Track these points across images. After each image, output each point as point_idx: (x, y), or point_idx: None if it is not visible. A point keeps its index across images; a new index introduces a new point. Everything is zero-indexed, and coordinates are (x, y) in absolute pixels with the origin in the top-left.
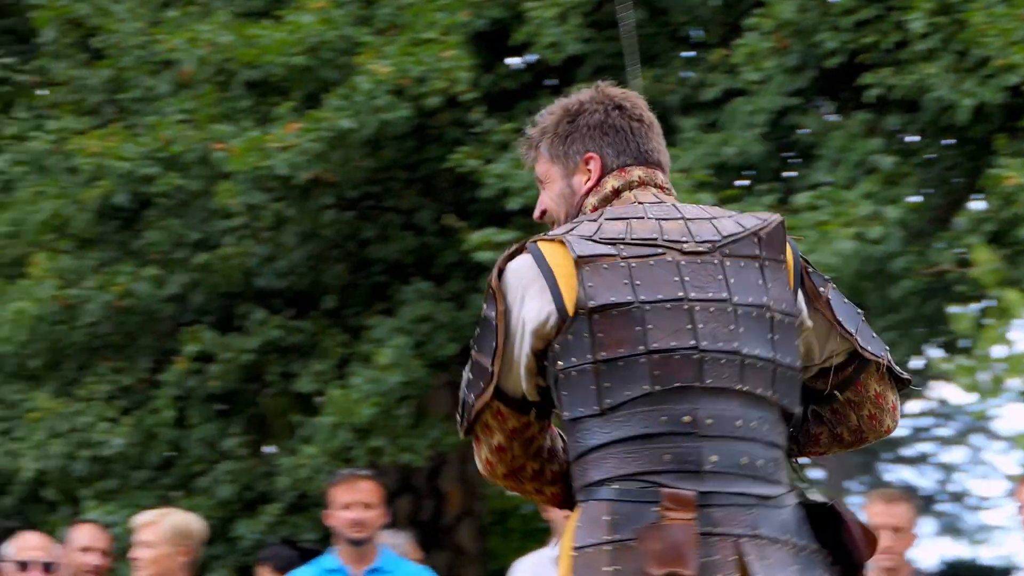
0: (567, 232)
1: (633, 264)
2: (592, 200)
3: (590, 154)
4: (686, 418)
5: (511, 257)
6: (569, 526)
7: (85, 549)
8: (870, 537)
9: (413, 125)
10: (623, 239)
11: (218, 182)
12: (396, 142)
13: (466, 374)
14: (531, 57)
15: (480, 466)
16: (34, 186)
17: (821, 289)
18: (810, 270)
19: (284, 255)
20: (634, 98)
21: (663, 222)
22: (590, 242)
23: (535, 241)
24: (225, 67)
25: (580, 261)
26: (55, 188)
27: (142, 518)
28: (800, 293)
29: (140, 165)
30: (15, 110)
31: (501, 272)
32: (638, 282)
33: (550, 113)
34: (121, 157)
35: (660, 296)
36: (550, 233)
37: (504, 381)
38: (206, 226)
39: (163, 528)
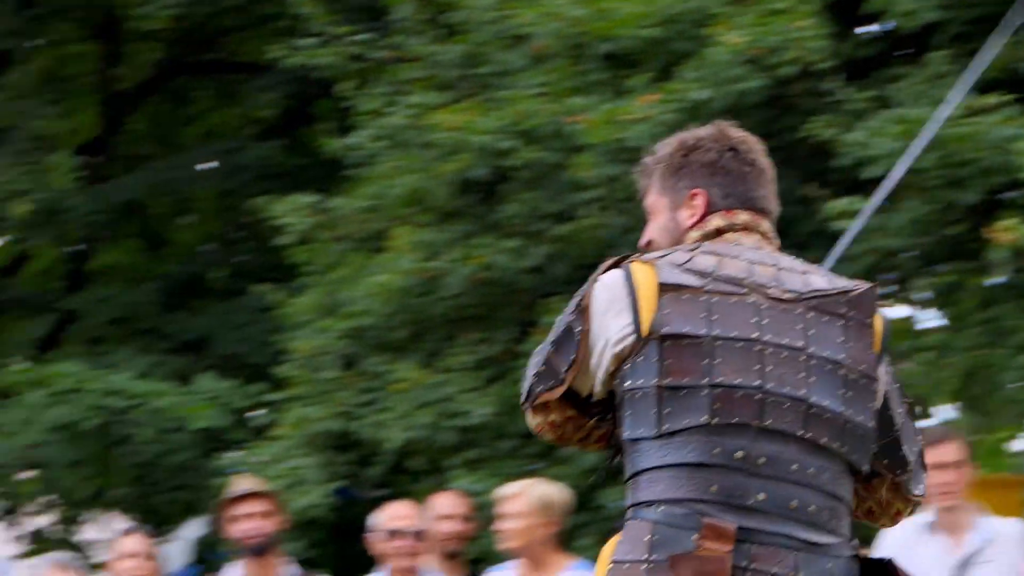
0: (660, 257)
1: (714, 300)
2: (695, 234)
3: (697, 191)
4: (739, 453)
5: (606, 271)
6: (614, 539)
7: (446, 517)
8: None
9: (769, 95)
10: (712, 273)
11: (574, 154)
12: (752, 112)
13: (539, 362)
14: (889, 24)
15: (528, 424)
16: (393, 160)
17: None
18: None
19: (642, 226)
20: (751, 142)
21: (755, 265)
22: (678, 270)
23: (630, 260)
24: (578, 40)
25: (663, 287)
26: (413, 163)
27: (508, 489)
28: (884, 362)
29: (496, 139)
30: (373, 86)
31: (594, 284)
32: (715, 317)
33: (667, 145)
34: (477, 131)
35: (734, 334)
36: (645, 255)
37: (575, 383)
38: (564, 198)
39: (529, 499)
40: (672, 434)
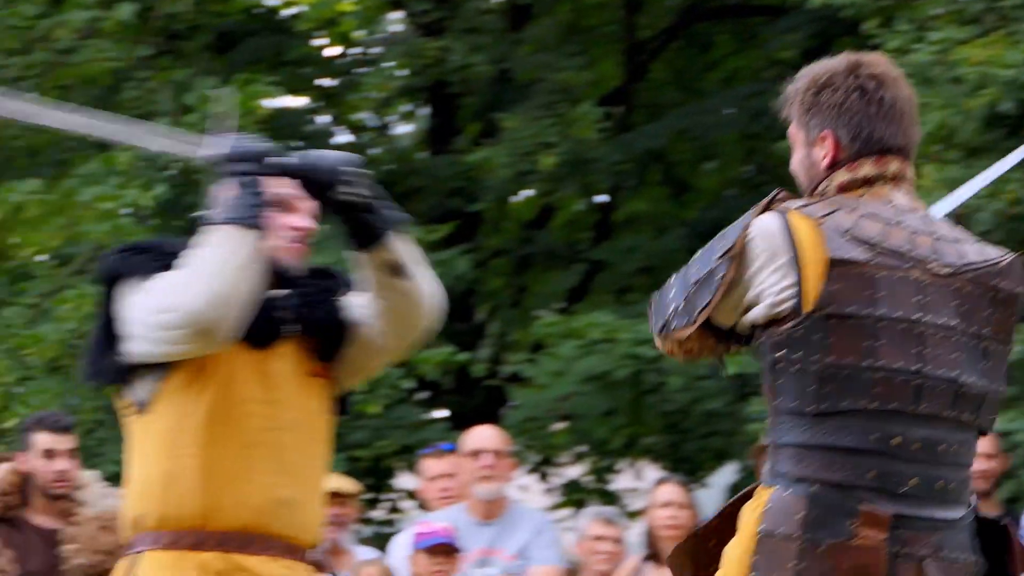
0: (825, 215)
1: (880, 275)
2: (843, 177)
3: (826, 132)
4: (895, 440)
5: (759, 214)
6: (756, 505)
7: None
8: None
9: None
10: (878, 244)
11: None
12: None
13: (678, 297)
14: None
15: (658, 345)
16: (920, 98)
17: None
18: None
19: None
20: (882, 76)
21: (916, 235)
22: (846, 239)
23: (787, 210)
24: None
25: (833, 263)
26: (940, 99)
27: None
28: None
29: (1023, 72)
30: (897, 23)
31: (748, 230)
32: (880, 294)
33: (803, 77)
34: (1004, 64)
35: (898, 314)
36: (806, 208)
37: (712, 317)
38: None
39: None
40: (828, 414)
